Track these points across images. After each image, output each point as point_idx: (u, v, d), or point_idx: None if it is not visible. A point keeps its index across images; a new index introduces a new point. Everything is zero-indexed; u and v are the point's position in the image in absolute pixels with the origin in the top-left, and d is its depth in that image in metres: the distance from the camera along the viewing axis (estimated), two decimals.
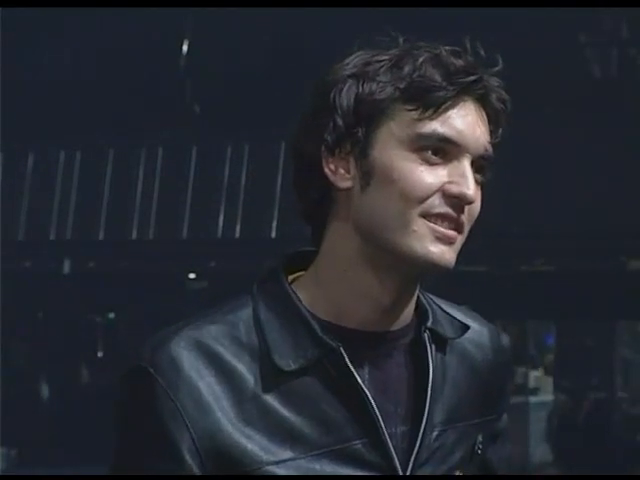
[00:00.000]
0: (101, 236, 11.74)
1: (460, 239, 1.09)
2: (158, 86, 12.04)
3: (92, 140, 11.73)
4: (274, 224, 10.94)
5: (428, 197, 1.06)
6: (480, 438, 1.20)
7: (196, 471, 1.07)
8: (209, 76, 12.27)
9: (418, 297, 1.16)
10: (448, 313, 1.22)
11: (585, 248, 10.56)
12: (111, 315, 14.45)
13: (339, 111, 1.08)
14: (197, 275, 12.51)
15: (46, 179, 11.97)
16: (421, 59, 1.06)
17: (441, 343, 1.18)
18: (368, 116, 1.08)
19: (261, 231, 11.05)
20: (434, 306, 1.20)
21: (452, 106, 1.07)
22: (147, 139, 11.90)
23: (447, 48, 1.08)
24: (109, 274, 12.06)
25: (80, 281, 11.97)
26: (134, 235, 11.76)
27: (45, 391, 13.71)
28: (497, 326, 1.31)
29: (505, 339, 1.32)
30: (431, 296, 1.21)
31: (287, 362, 1.09)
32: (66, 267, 11.90)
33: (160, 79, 12.17)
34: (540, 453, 13.54)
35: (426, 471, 1.13)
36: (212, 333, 1.09)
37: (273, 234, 10.97)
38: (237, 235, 11.29)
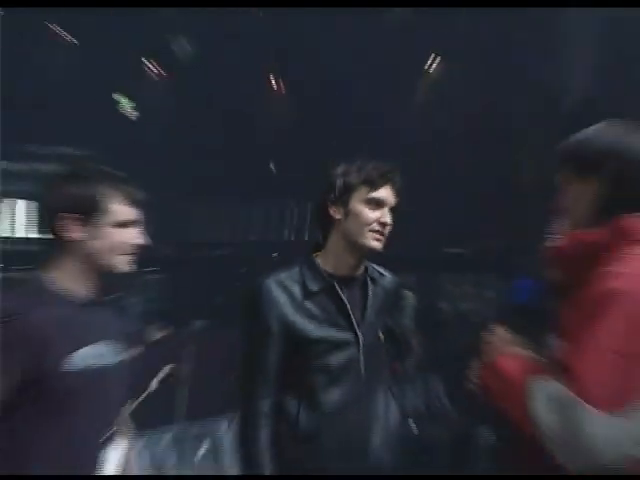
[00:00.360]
0: None
1: (384, 240, 2.54)
2: None
3: None
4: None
5: (373, 222, 2.53)
6: (390, 320, 2.53)
7: (275, 331, 2.44)
8: None
9: (365, 262, 2.66)
10: (377, 269, 2.73)
11: None
12: None
13: (339, 187, 2.51)
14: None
15: None
16: (369, 168, 2.48)
17: (373, 281, 2.67)
18: (348, 190, 2.52)
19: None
20: (370, 266, 2.70)
21: (383, 186, 2.51)
22: None
23: (376, 164, 2.53)
24: None
25: None
26: None
27: None
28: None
29: (399, 280, 2.69)
30: (370, 263, 2.66)
31: (312, 287, 2.53)
32: None
33: None
34: None
35: (368, 330, 2.53)
36: (285, 278, 2.55)
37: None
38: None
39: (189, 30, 17.05)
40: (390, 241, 2.55)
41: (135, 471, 2.19)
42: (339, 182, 2.50)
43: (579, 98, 11.45)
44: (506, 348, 1.99)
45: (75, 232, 1.98)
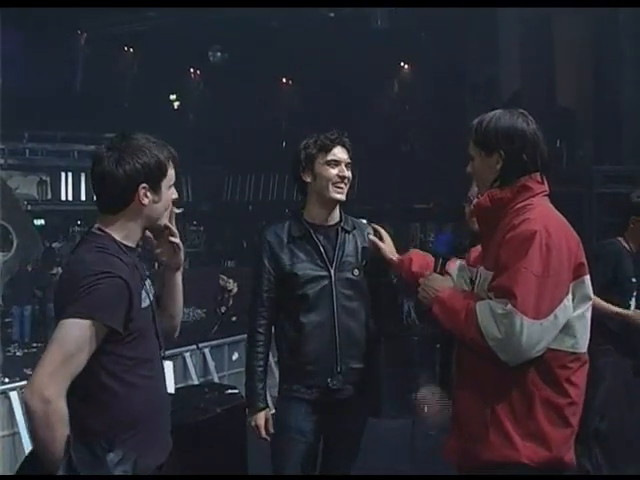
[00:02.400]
0: None
1: (345, 190, 2.49)
2: None
3: None
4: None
5: (334, 177, 2.47)
6: (363, 261, 2.53)
7: (267, 266, 2.51)
8: None
9: (340, 212, 2.58)
10: (352, 220, 2.60)
11: None
12: None
13: (303, 158, 2.50)
14: None
15: None
16: (321, 137, 2.50)
17: (345, 230, 2.56)
18: (310, 158, 2.49)
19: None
20: (346, 217, 2.59)
21: (335, 147, 2.49)
22: None
23: (325, 134, 2.50)
24: None
25: None
26: None
27: None
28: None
29: (370, 228, 2.62)
30: (348, 215, 2.60)
31: (296, 233, 2.51)
32: None
33: None
34: None
35: (340, 268, 2.50)
36: (277, 227, 2.54)
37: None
38: None
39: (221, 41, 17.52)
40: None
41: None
42: (303, 154, 2.51)
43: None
44: (441, 286, 1.98)
45: (146, 198, 1.80)
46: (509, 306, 1.71)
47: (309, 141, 2.52)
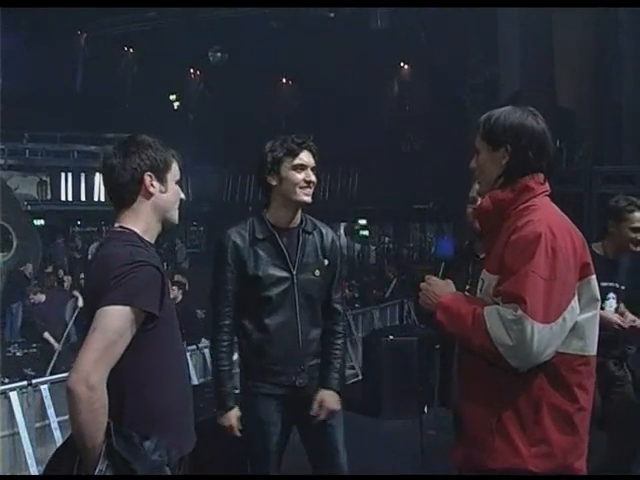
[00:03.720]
0: None
1: (311, 193, 2.49)
2: None
3: None
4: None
5: (300, 181, 2.47)
6: (324, 260, 2.58)
7: (233, 268, 2.50)
8: None
9: (302, 215, 2.59)
10: (312, 221, 2.61)
11: None
12: None
13: (269, 161, 2.49)
14: None
15: None
16: (288, 141, 2.49)
17: (305, 232, 2.57)
18: (277, 162, 2.48)
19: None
20: (306, 218, 2.60)
21: (302, 152, 2.48)
22: None
23: (293, 137, 2.50)
24: None
25: None
26: None
27: None
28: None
29: (331, 231, 2.69)
30: (308, 216, 2.62)
31: (259, 234, 2.51)
32: None
33: None
34: None
35: (302, 269, 2.53)
36: (241, 228, 2.53)
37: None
38: None
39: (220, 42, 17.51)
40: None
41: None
42: (269, 157, 2.48)
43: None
44: (442, 290, 1.92)
45: (153, 188, 1.90)
46: (519, 312, 1.67)
47: (275, 144, 2.51)
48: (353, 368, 7.39)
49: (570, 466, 1.78)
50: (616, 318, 3.12)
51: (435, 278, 2.01)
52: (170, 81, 18.27)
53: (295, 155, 2.48)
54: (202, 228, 19.15)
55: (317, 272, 2.54)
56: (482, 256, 2.28)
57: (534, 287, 1.69)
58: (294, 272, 2.51)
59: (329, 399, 2.52)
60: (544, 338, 1.67)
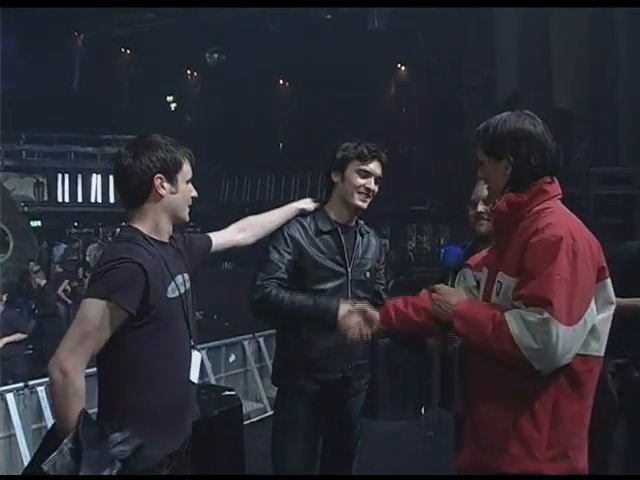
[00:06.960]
0: None
1: (368, 201, 2.55)
2: None
3: None
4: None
5: (361, 186, 2.53)
6: (376, 263, 2.67)
7: (292, 256, 2.49)
8: None
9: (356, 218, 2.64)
10: (364, 226, 2.68)
11: None
12: None
13: (339, 158, 2.55)
14: None
15: None
16: (362, 146, 2.54)
17: (361, 233, 2.64)
18: (345, 161, 2.54)
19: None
20: (360, 222, 2.66)
21: (371, 160, 2.54)
22: None
23: (367, 144, 2.55)
24: None
25: None
26: None
27: None
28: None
29: (378, 236, 2.77)
30: (360, 221, 2.68)
31: (323, 228, 2.55)
32: None
33: None
34: None
35: (355, 268, 2.57)
36: (301, 218, 2.56)
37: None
38: None
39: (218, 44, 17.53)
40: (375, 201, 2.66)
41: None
42: (339, 155, 2.55)
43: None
44: (455, 299, 1.89)
45: (163, 189, 1.92)
46: (545, 314, 1.67)
47: (350, 144, 2.57)
48: None
49: (577, 467, 1.80)
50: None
51: (446, 287, 1.98)
52: (167, 82, 18.23)
53: (364, 160, 2.54)
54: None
55: (367, 274, 2.59)
56: None
57: (558, 289, 1.69)
58: (349, 269, 2.55)
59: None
60: (568, 340, 1.68)
